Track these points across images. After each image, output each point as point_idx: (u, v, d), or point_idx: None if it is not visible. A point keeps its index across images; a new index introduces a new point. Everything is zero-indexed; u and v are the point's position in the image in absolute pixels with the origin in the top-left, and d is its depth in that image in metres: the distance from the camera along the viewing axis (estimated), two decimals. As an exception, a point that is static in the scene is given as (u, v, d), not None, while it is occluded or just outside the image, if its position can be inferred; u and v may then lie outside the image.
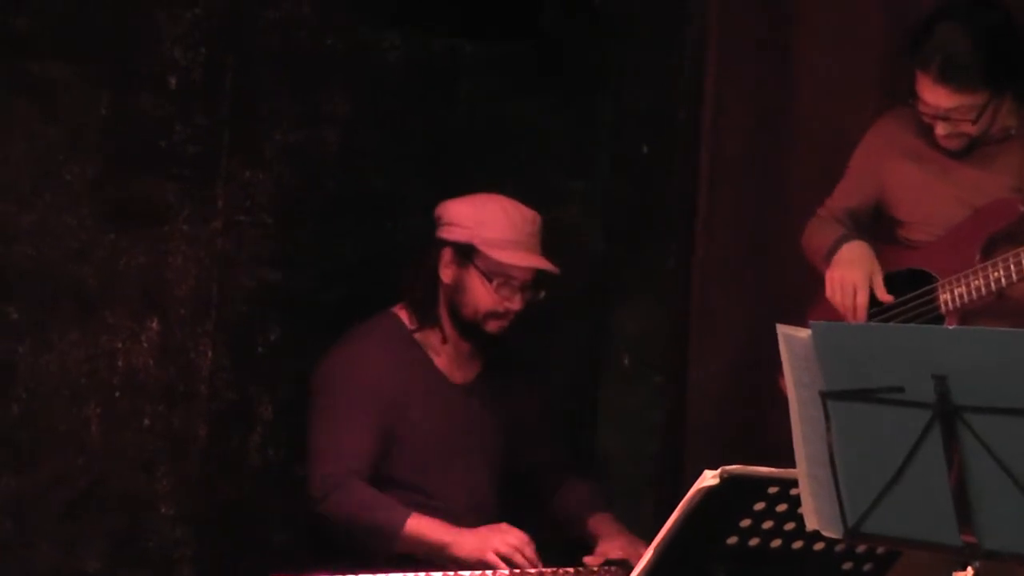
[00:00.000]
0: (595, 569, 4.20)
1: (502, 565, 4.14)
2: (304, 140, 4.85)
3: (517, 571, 4.06)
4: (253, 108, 4.77)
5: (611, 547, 4.38)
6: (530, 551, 4.19)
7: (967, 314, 4.30)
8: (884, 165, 4.50)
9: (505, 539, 4.20)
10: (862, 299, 4.39)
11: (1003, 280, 4.23)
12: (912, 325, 4.06)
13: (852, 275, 4.40)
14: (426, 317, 4.51)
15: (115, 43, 4.54)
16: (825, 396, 3.13)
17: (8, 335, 4.43)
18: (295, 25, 4.82)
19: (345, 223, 4.92)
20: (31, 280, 4.45)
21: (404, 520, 4.25)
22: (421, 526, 4.26)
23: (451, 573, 3.99)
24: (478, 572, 4.00)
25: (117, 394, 4.58)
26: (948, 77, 4.24)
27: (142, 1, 4.57)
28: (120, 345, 4.58)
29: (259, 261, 4.78)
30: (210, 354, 4.71)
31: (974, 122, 4.28)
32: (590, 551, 4.41)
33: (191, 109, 4.65)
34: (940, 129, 4.32)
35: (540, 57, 5.21)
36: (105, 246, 4.54)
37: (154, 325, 4.62)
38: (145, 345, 4.61)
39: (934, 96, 4.27)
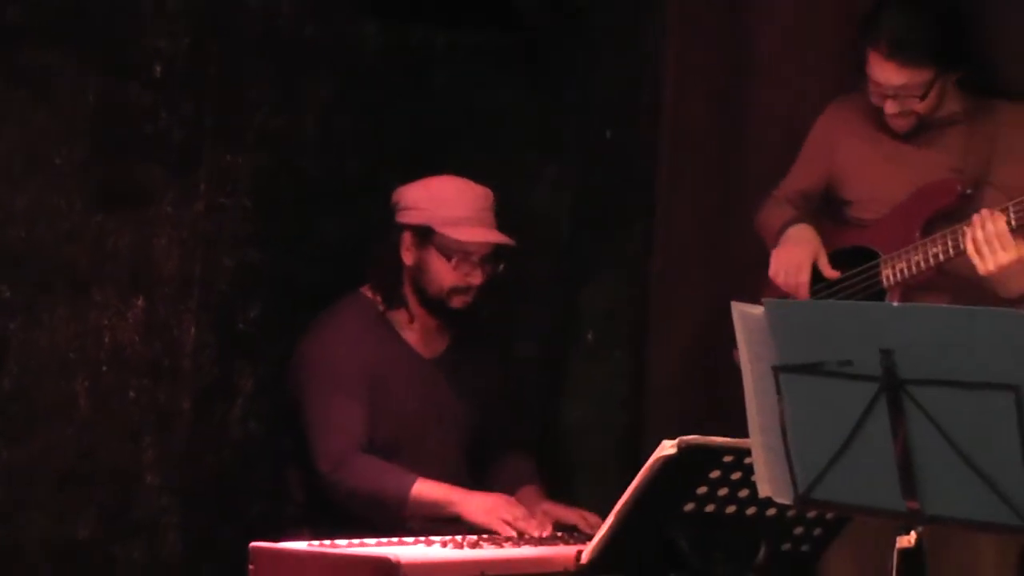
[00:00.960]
0: (559, 534, 4.21)
1: (510, 532, 4.15)
2: (283, 126, 4.85)
3: (486, 536, 4.07)
4: (235, 95, 4.76)
5: (536, 514, 4.36)
6: (531, 524, 4.20)
7: (908, 288, 4.32)
8: (835, 148, 4.52)
9: (511, 510, 4.22)
10: (804, 278, 4.40)
11: (941, 255, 4.25)
12: (860, 302, 4.06)
13: (796, 256, 4.42)
14: (392, 299, 4.52)
15: (103, 33, 4.53)
16: (777, 370, 3.14)
17: (1, 313, 4.42)
18: (275, 15, 4.82)
19: (322, 206, 4.92)
20: (22, 260, 4.44)
21: (411, 484, 4.28)
22: (427, 488, 4.29)
23: (423, 538, 4.00)
24: (447, 538, 4.00)
25: (104, 369, 4.57)
26: (897, 53, 4.24)
27: (129, -9, 4.58)
28: (107, 322, 4.58)
29: (240, 242, 4.78)
30: (193, 330, 4.70)
31: (922, 98, 4.29)
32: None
33: (175, 96, 4.64)
34: (890, 108, 4.32)
35: (511, 47, 5.21)
36: (93, 227, 4.54)
37: (140, 303, 4.62)
38: (131, 322, 4.61)
39: (884, 73, 4.28)
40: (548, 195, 5.28)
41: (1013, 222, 4.09)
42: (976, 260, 4.11)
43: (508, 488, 4.54)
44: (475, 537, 4.04)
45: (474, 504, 4.26)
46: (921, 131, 4.38)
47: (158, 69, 4.63)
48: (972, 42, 4.35)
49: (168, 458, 4.66)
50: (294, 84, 4.89)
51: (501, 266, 4.52)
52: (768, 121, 4.93)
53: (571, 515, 4.42)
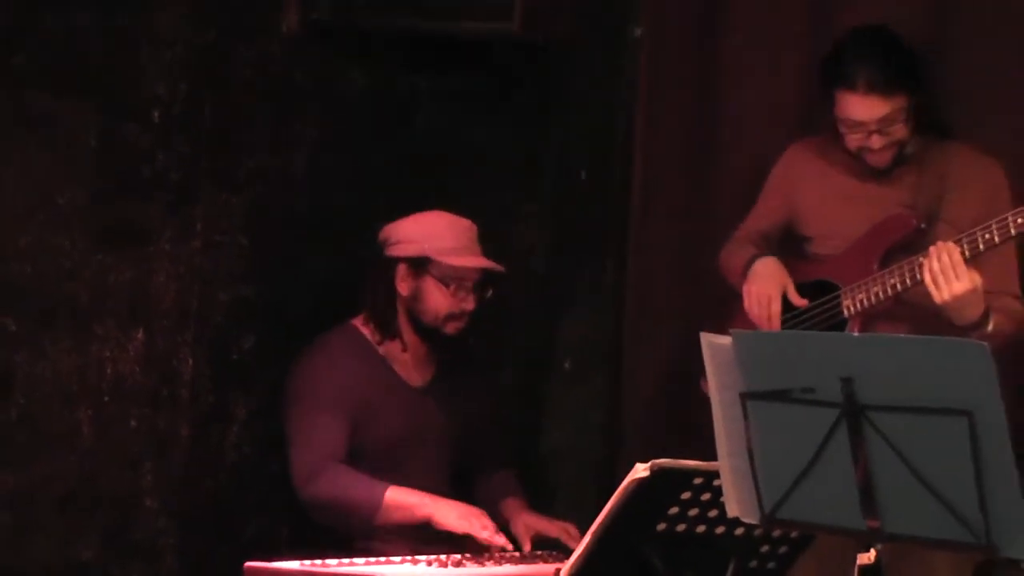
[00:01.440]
0: (538, 553, 4.21)
1: (485, 540, 4.14)
2: (275, 166, 4.85)
3: (468, 556, 4.07)
4: (228, 137, 4.76)
5: (522, 525, 4.42)
6: (501, 538, 4.20)
7: (868, 317, 4.33)
8: (794, 188, 4.53)
9: (484, 523, 4.22)
10: (776, 308, 4.41)
11: (899, 286, 4.26)
12: (822, 332, 4.08)
13: (766, 288, 4.43)
14: (386, 330, 4.53)
15: (104, 79, 4.53)
16: (744, 397, 3.15)
17: (6, 345, 4.41)
18: (266, 62, 4.82)
19: (312, 242, 4.91)
20: (27, 295, 4.43)
21: (383, 492, 4.27)
22: (399, 495, 4.27)
23: (408, 558, 4.00)
24: (432, 557, 4.00)
25: (106, 398, 4.56)
26: (875, 87, 4.24)
27: (128, 40, 4.55)
28: (108, 354, 4.57)
29: (234, 277, 4.77)
30: (190, 361, 4.70)
31: (905, 122, 4.29)
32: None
33: (172, 139, 4.64)
34: (876, 142, 4.30)
35: (491, 92, 5.21)
36: (94, 264, 4.53)
37: (139, 335, 4.61)
38: (131, 354, 4.60)
39: (865, 109, 4.27)
40: (526, 231, 5.29)
41: (967, 253, 4.11)
42: (932, 290, 4.12)
43: (492, 501, 4.54)
44: (458, 556, 4.04)
45: (446, 510, 4.25)
46: (883, 172, 4.38)
47: (156, 113, 4.62)
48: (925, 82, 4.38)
49: (167, 483, 4.65)
50: (284, 126, 4.89)
51: (489, 292, 4.54)
52: (734, 165, 4.95)
53: (552, 528, 4.43)
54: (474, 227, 4.55)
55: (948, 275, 4.08)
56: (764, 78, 4.92)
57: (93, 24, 4.49)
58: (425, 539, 4.23)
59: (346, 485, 4.30)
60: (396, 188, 5.01)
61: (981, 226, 4.10)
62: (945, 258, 4.09)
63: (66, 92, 4.46)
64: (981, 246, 4.09)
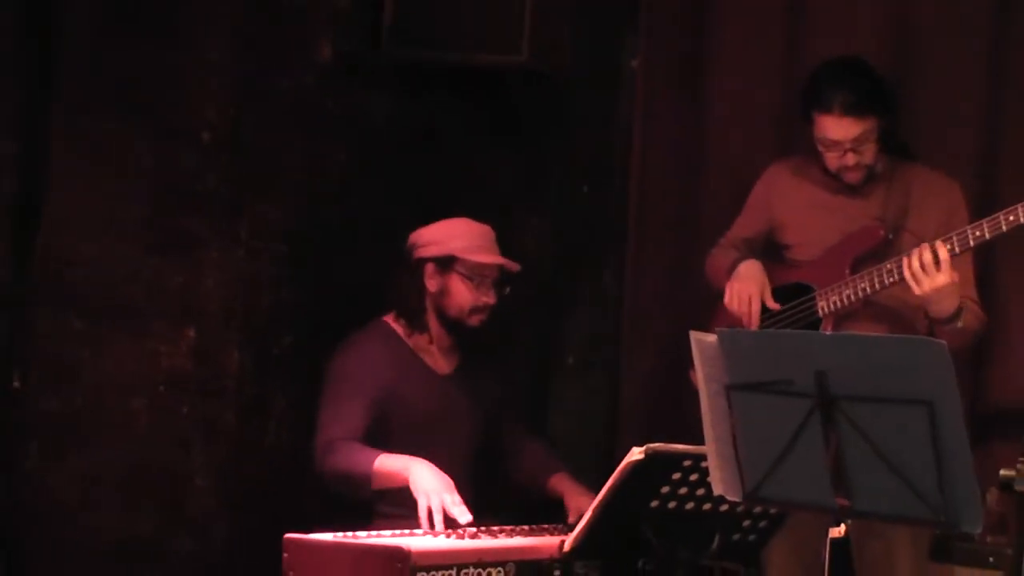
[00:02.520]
0: (544, 526, 4.19)
1: (424, 516, 4.05)
2: (310, 183, 4.85)
3: (483, 528, 4.06)
4: (269, 157, 4.76)
5: (580, 502, 4.31)
6: (460, 512, 4.06)
7: (839, 317, 4.33)
8: (774, 201, 4.53)
9: (449, 495, 4.07)
10: (756, 307, 4.41)
11: (868, 289, 4.27)
12: (798, 331, 4.06)
13: (748, 288, 4.42)
14: (416, 324, 4.51)
15: (159, 105, 4.54)
16: (729, 388, 3.15)
17: (72, 342, 4.42)
18: (302, 90, 4.82)
19: (343, 251, 4.91)
20: (91, 298, 4.44)
21: (373, 459, 4.20)
22: (387, 460, 4.20)
23: (431, 530, 3.99)
24: (451, 530, 3.99)
25: (161, 389, 4.57)
26: (849, 110, 4.23)
27: (181, 71, 4.56)
28: (163, 349, 4.57)
29: (274, 282, 4.77)
30: (236, 356, 4.70)
31: (875, 143, 4.29)
32: (555, 508, 4.37)
33: (219, 158, 4.64)
34: (850, 160, 4.28)
35: (502, 116, 5.21)
36: (150, 270, 4.54)
37: (190, 333, 4.62)
38: (183, 349, 4.60)
39: (842, 130, 4.26)
40: (534, 241, 5.28)
41: (957, 249, 4.10)
42: (913, 284, 4.11)
43: (536, 477, 4.50)
44: (474, 529, 4.03)
45: (420, 474, 4.13)
46: (855, 188, 4.38)
47: (205, 136, 4.63)
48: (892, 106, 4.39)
49: (214, 464, 4.65)
50: (318, 148, 4.89)
51: (507, 289, 4.54)
52: (721, 179, 4.95)
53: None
54: (492, 231, 4.54)
55: (929, 270, 4.08)
56: (745, 106, 4.92)
57: (150, 57, 4.50)
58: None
59: (347, 457, 4.25)
60: (417, 203, 5.00)
61: (972, 225, 4.09)
62: (926, 256, 4.09)
63: (126, 117, 4.47)
64: (971, 242, 4.08)
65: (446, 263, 4.46)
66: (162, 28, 4.52)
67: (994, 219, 4.03)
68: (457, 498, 4.10)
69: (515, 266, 4.52)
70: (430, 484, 4.11)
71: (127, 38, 4.45)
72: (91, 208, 4.44)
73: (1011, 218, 4.01)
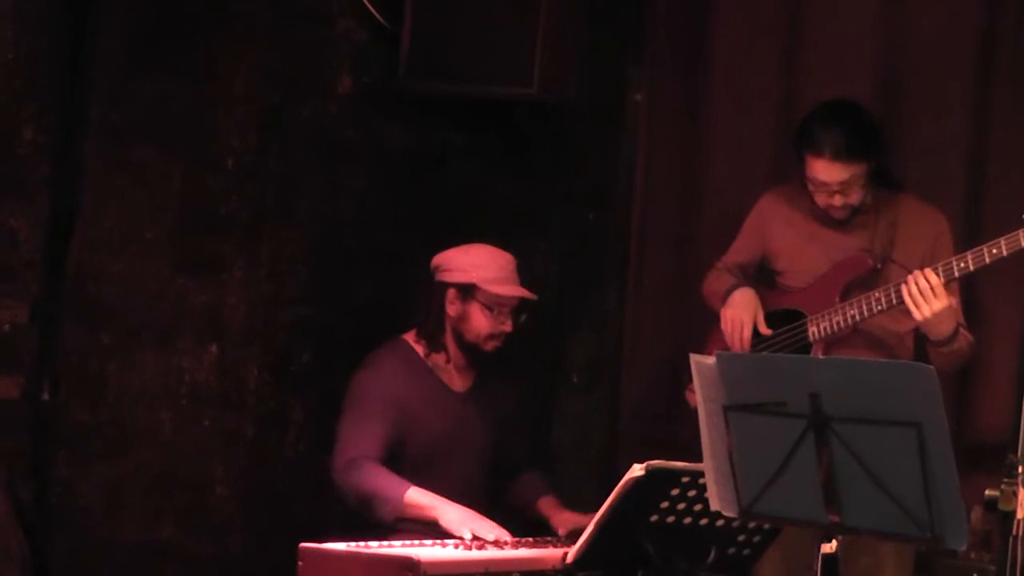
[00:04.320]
0: (548, 539, 4.17)
1: (467, 535, 4.05)
2: (329, 207, 4.85)
3: (479, 540, 4.02)
4: (290, 182, 4.76)
5: (561, 520, 4.32)
6: (490, 535, 4.07)
7: (829, 342, 4.32)
8: (767, 228, 4.51)
9: (476, 523, 4.12)
10: (747, 333, 4.39)
11: (857, 316, 4.25)
12: (793, 355, 4.05)
13: (741, 315, 4.40)
14: (435, 344, 4.47)
15: (186, 133, 4.54)
16: (726, 409, 3.15)
17: (101, 356, 4.43)
18: (322, 119, 4.83)
19: (360, 272, 4.91)
20: (119, 314, 4.45)
21: (405, 491, 4.19)
22: (417, 495, 4.19)
23: (438, 541, 3.97)
24: (449, 541, 3.97)
25: (184, 402, 4.57)
26: (839, 155, 4.21)
27: (206, 100, 4.57)
28: (187, 364, 4.58)
29: (294, 301, 4.77)
30: (256, 372, 4.70)
31: (863, 187, 4.28)
32: (545, 530, 4.35)
33: (243, 183, 4.65)
34: (837, 200, 4.27)
35: (511, 145, 5.21)
36: (176, 288, 4.54)
37: (213, 349, 4.62)
38: (206, 364, 4.61)
39: (829, 173, 4.24)
40: (540, 265, 5.28)
41: (943, 278, 4.09)
42: (913, 310, 4.09)
43: (527, 500, 4.48)
44: (480, 540, 4.03)
45: (449, 513, 4.16)
46: (845, 221, 4.37)
47: (230, 162, 4.64)
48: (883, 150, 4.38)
49: (234, 473, 4.66)
50: (337, 174, 4.89)
51: (523, 317, 4.51)
52: (718, 207, 4.95)
53: (586, 520, 4.33)
54: (514, 260, 4.49)
55: (928, 296, 4.07)
56: (742, 138, 4.92)
57: (179, 87, 4.51)
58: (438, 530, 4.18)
59: (372, 480, 4.23)
60: (430, 228, 5.00)
61: (957, 256, 4.08)
62: (923, 282, 4.07)
63: (156, 143, 4.48)
64: (956, 272, 4.08)
65: (468, 291, 4.41)
66: (191, 60, 4.53)
67: (978, 251, 4.03)
68: (488, 524, 4.11)
69: (533, 297, 4.47)
70: (462, 521, 4.12)
71: (158, 70, 4.46)
72: (121, 229, 4.45)
73: (994, 251, 4.00)
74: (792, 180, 4.51)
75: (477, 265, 4.42)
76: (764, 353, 4.29)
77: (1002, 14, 4.56)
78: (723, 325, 4.42)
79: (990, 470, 3.79)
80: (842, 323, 4.27)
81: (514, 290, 4.43)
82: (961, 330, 4.21)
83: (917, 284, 4.08)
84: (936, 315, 4.08)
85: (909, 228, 4.33)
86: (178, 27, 4.46)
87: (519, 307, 4.46)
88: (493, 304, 4.41)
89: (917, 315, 4.09)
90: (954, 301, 4.11)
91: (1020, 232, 3.93)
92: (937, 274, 4.08)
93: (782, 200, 4.50)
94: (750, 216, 4.57)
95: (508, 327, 4.44)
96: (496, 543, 3.98)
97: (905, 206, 4.37)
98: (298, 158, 4.78)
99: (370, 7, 4.78)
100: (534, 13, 4.75)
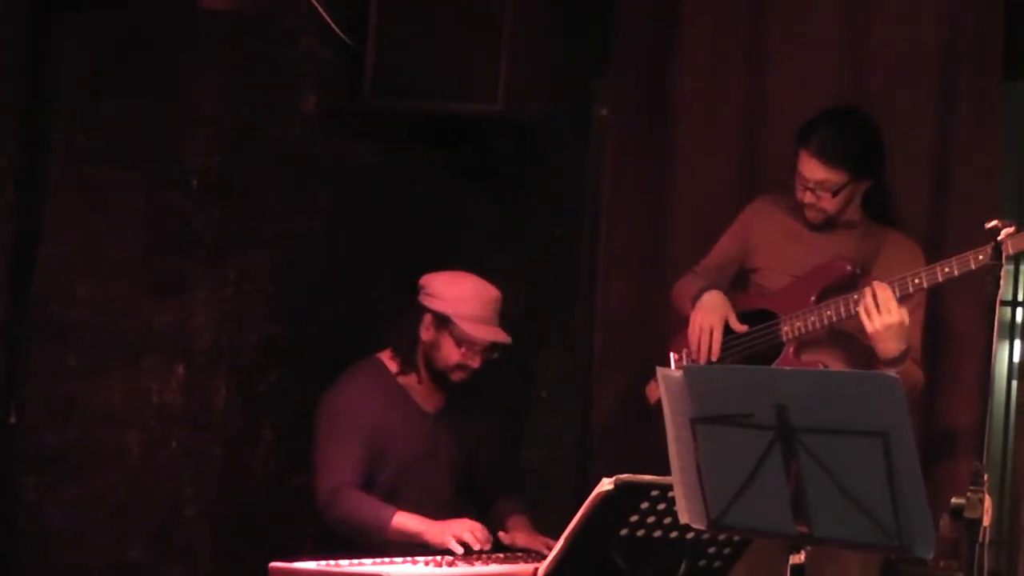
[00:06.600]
0: (519, 554, 4.18)
1: (458, 548, 4.09)
2: (295, 227, 4.85)
3: (450, 558, 4.01)
4: (256, 202, 4.76)
5: (514, 535, 4.34)
6: (480, 533, 4.14)
7: (801, 343, 4.34)
8: (752, 227, 4.54)
9: (462, 525, 4.15)
10: (717, 337, 4.39)
11: (833, 317, 4.27)
12: (759, 368, 4.04)
13: (709, 319, 4.40)
14: (407, 364, 4.46)
15: (150, 153, 4.53)
16: (693, 421, 3.15)
17: (67, 377, 4.41)
18: (287, 138, 4.83)
19: (328, 291, 4.91)
20: (86, 335, 4.43)
21: (391, 517, 4.20)
22: (403, 520, 4.21)
23: (408, 559, 3.97)
24: (429, 557, 3.98)
25: (152, 423, 4.55)
26: (822, 153, 4.26)
27: (170, 120, 4.56)
28: (154, 385, 4.56)
29: (261, 320, 4.77)
30: (223, 391, 4.69)
31: (833, 195, 4.30)
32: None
33: (209, 203, 4.64)
34: (808, 198, 4.32)
35: (478, 162, 5.22)
36: (142, 309, 4.53)
37: (180, 370, 4.61)
38: (173, 385, 4.59)
39: (809, 169, 4.29)
40: (508, 281, 5.28)
41: (897, 293, 4.14)
42: (865, 320, 4.13)
43: (501, 517, 4.47)
44: (451, 558, 4.02)
45: (435, 533, 4.18)
46: (827, 227, 4.40)
47: (194, 182, 4.63)
48: (881, 171, 4.40)
49: (203, 495, 4.64)
50: (303, 193, 4.89)
51: (495, 355, 4.48)
52: (684, 221, 4.96)
53: (536, 542, 4.34)
54: (499, 297, 4.45)
55: (883, 307, 4.10)
56: (709, 152, 4.93)
57: (143, 107, 4.50)
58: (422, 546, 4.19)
59: (358, 509, 4.22)
60: (398, 246, 5.01)
61: (911, 272, 4.13)
62: (881, 293, 4.12)
63: (119, 164, 4.47)
64: (910, 288, 4.12)
65: (443, 321, 4.39)
66: (154, 81, 4.51)
67: (931, 269, 4.12)
68: (479, 528, 4.15)
69: (508, 341, 4.45)
70: (443, 530, 4.14)
71: (121, 89, 4.44)
72: (85, 250, 4.43)
73: (946, 270, 4.08)
74: (762, 192, 4.55)
75: (459, 298, 4.39)
76: (730, 364, 4.30)
77: (964, 30, 4.59)
78: (690, 331, 4.42)
79: (958, 467, 3.82)
80: (817, 323, 4.30)
81: (488, 333, 4.40)
82: (911, 363, 4.24)
83: (874, 295, 4.13)
84: (886, 328, 4.12)
85: (889, 257, 4.37)
86: (141, 48, 4.46)
87: (492, 346, 4.45)
88: (464, 341, 4.39)
89: (868, 327, 4.13)
90: (907, 319, 4.13)
91: (970, 254, 4.00)
92: (894, 288, 4.12)
93: (770, 201, 4.55)
94: (738, 219, 4.59)
95: (476, 363, 4.42)
96: (467, 560, 3.99)
97: (890, 238, 4.42)
98: (263, 177, 4.78)
99: (333, 25, 4.79)
100: (498, 30, 4.76)
